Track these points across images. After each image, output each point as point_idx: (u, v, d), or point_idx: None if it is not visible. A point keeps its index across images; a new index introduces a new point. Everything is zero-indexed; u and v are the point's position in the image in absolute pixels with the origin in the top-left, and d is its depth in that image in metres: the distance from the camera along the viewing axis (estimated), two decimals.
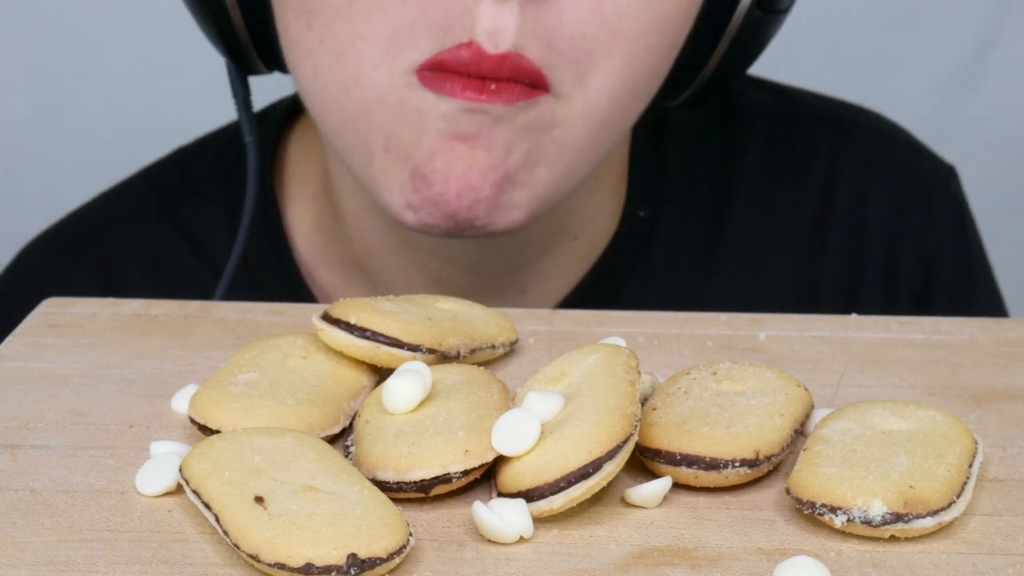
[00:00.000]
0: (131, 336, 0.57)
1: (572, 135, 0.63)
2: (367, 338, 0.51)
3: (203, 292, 0.74)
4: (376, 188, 0.64)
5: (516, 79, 0.60)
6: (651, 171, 0.76)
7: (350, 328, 0.51)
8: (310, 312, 0.58)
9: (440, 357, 0.52)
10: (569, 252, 0.74)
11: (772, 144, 0.79)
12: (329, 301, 0.74)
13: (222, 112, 0.77)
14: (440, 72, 0.60)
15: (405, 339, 0.51)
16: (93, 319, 0.59)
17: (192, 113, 0.91)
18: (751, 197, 0.78)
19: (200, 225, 0.77)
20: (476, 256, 0.71)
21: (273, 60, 0.70)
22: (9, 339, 0.57)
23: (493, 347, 0.55)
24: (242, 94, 0.71)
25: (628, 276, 0.75)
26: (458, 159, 0.61)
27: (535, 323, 0.59)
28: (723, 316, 0.59)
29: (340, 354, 0.52)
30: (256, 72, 0.71)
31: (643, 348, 0.56)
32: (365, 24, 0.61)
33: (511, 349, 0.56)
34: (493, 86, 0.60)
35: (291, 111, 0.78)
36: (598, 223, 0.75)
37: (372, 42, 0.61)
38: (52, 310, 0.59)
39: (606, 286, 0.75)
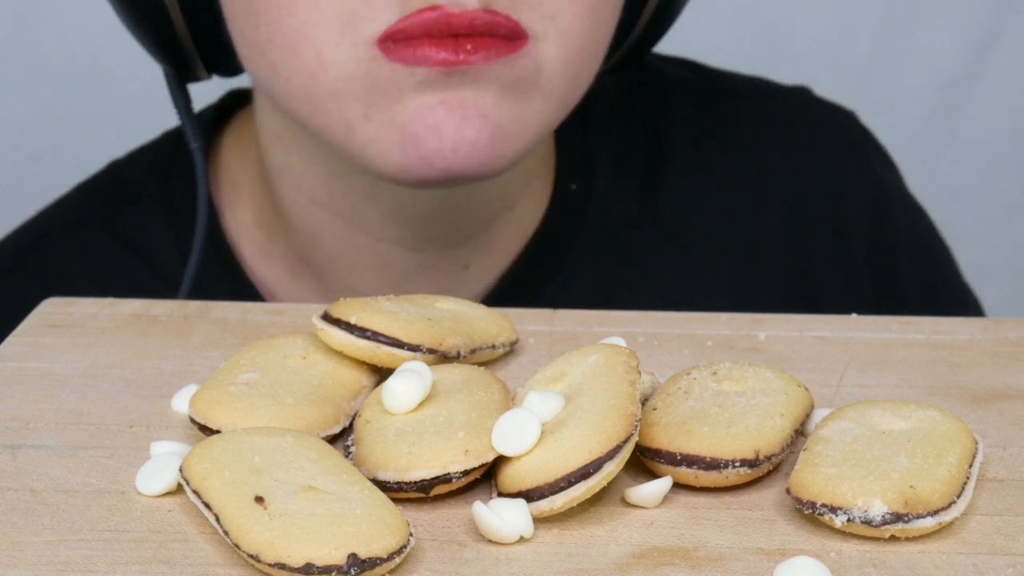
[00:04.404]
0: (131, 336, 0.57)
1: (554, 83, 0.64)
2: (367, 338, 0.51)
3: (148, 295, 0.74)
4: (363, 157, 0.64)
5: (493, 33, 0.61)
6: (579, 143, 0.77)
7: (350, 328, 0.51)
8: (310, 312, 0.58)
9: (440, 357, 0.52)
10: (508, 224, 0.75)
11: (697, 111, 0.80)
12: (275, 297, 0.76)
13: None
14: (404, 41, 0.61)
15: (405, 339, 0.51)
16: (93, 319, 0.59)
17: None
18: (682, 163, 0.79)
19: (138, 229, 0.77)
20: (422, 234, 0.72)
21: (214, 65, 0.71)
22: (9, 339, 0.57)
23: (493, 347, 0.55)
24: (183, 102, 0.72)
25: (567, 247, 0.76)
26: (449, 115, 0.62)
27: (535, 323, 0.59)
28: (723, 316, 0.59)
29: (340, 354, 0.52)
30: (198, 79, 0.72)
31: (643, 348, 0.56)
32: (312, 13, 0.61)
33: (511, 349, 0.56)
34: (469, 46, 0.61)
35: (219, 116, 0.79)
36: (533, 194, 0.76)
37: (324, 27, 0.62)
38: (52, 310, 0.59)
39: (546, 258, 0.76)
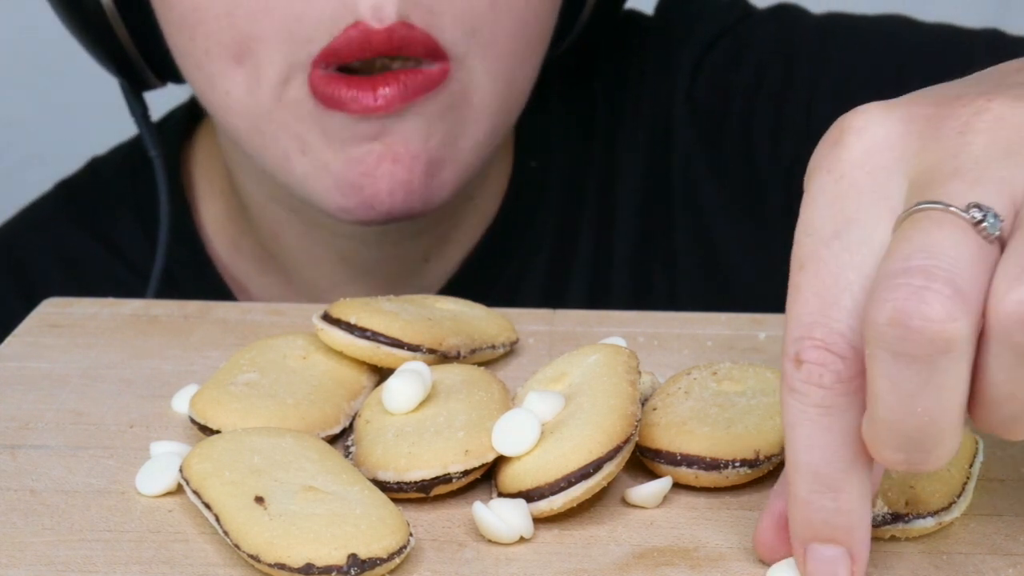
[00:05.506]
0: (131, 336, 0.57)
1: (485, 100, 0.65)
2: (367, 338, 0.51)
3: (121, 285, 0.76)
4: (304, 190, 0.66)
5: (409, 51, 0.61)
6: (537, 120, 0.77)
7: (350, 328, 0.51)
8: (310, 312, 0.58)
9: (440, 357, 0.52)
10: (468, 213, 0.75)
11: (658, 69, 0.78)
12: (243, 291, 0.77)
13: None
14: (333, 81, 0.62)
15: (405, 339, 0.51)
16: (93, 319, 0.59)
17: None
18: (642, 128, 0.77)
19: (111, 223, 0.78)
20: (381, 230, 0.73)
21: (166, 72, 0.72)
22: (9, 339, 0.57)
23: (493, 347, 0.55)
24: (139, 111, 0.74)
25: (526, 227, 0.76)
26: (380, 160, 0.63)
27: (535, 323, 0.59)
28: (723, 316, 0.59)
29: (340, 354, 0.52)
30: (151, 87, 0.73)
31: (643, 348, 0.56)
32: (253, 27, 0.62)
33: (511, 349, 0.56)
34: (385, 90, 0.61)
35: (189, 115, 0.80)
36: (492, 181, 0.76)
37: (266, 43, 0.63)
38: (52, 310, 0.59)
39: (506, 241, 0.76)
